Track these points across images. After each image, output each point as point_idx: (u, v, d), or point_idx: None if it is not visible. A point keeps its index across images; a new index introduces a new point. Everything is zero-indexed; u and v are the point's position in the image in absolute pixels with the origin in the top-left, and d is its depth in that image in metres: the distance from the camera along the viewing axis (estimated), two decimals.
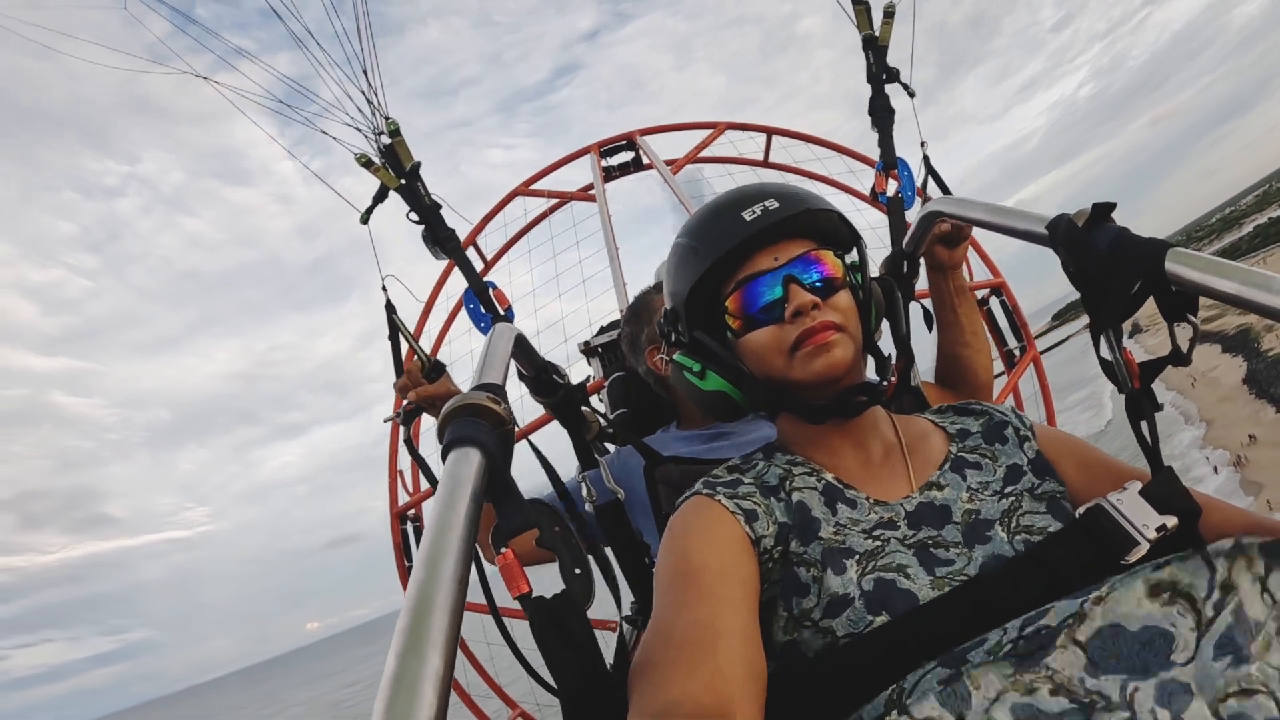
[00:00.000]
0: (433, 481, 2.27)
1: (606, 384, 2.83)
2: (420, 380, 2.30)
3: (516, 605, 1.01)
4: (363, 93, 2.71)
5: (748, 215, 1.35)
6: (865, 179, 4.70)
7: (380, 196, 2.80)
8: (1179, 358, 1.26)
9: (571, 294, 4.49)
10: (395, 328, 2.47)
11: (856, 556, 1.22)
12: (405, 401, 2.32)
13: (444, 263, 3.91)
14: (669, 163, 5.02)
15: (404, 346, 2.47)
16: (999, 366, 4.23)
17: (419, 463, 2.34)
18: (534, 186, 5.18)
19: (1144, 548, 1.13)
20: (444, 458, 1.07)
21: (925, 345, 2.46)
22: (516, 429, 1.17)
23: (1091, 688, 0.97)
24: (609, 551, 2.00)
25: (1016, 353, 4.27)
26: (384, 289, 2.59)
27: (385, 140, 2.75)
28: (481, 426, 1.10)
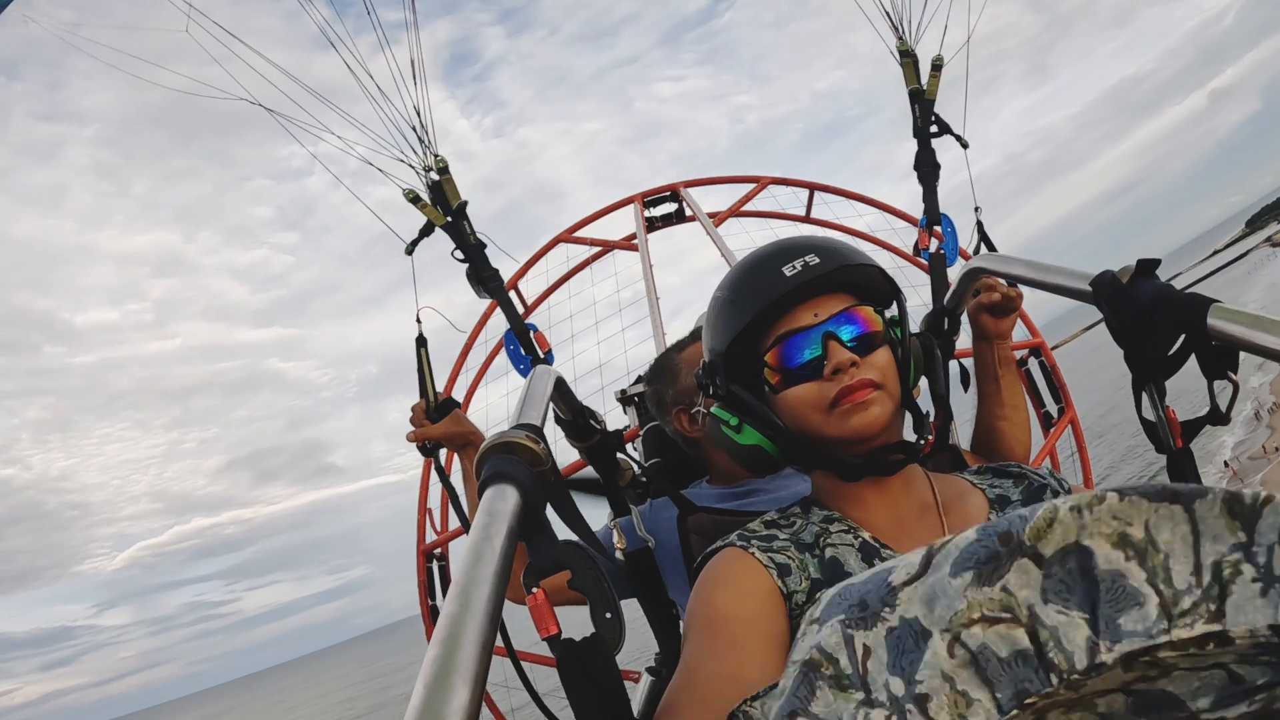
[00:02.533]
0: (460, 513, 2.27)
1: (642, 433, 2.82)
2: (422, 420, 2.30)
3: (530, 649, 1.00)
4: (413, 128, 2.75)
5: (788, 270, 1.35)
6: (908, 237, 4.69)
7: (426, 231, 2.82)
8: (1218, 416, 1.24)
9: (610, 341, 4.50)
10: (421, 363, 2.47)
11: None
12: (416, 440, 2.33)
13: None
14: (711, 215, 5.05)
15: (439, 379, 2.48)
16: (1037, 430, 4.16)
17: (449, 492, 2.34)
18: (577, 234, 5.23)
19: None
20: (480, 493, 1.07)
21: (962, 407, 2.43)
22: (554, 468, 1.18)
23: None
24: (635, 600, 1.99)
25: (1054, 414, 4.21)
26: (418, 320, 2.60)
27: (434, 176, 2.78)
28: (519, 464, 1.10)
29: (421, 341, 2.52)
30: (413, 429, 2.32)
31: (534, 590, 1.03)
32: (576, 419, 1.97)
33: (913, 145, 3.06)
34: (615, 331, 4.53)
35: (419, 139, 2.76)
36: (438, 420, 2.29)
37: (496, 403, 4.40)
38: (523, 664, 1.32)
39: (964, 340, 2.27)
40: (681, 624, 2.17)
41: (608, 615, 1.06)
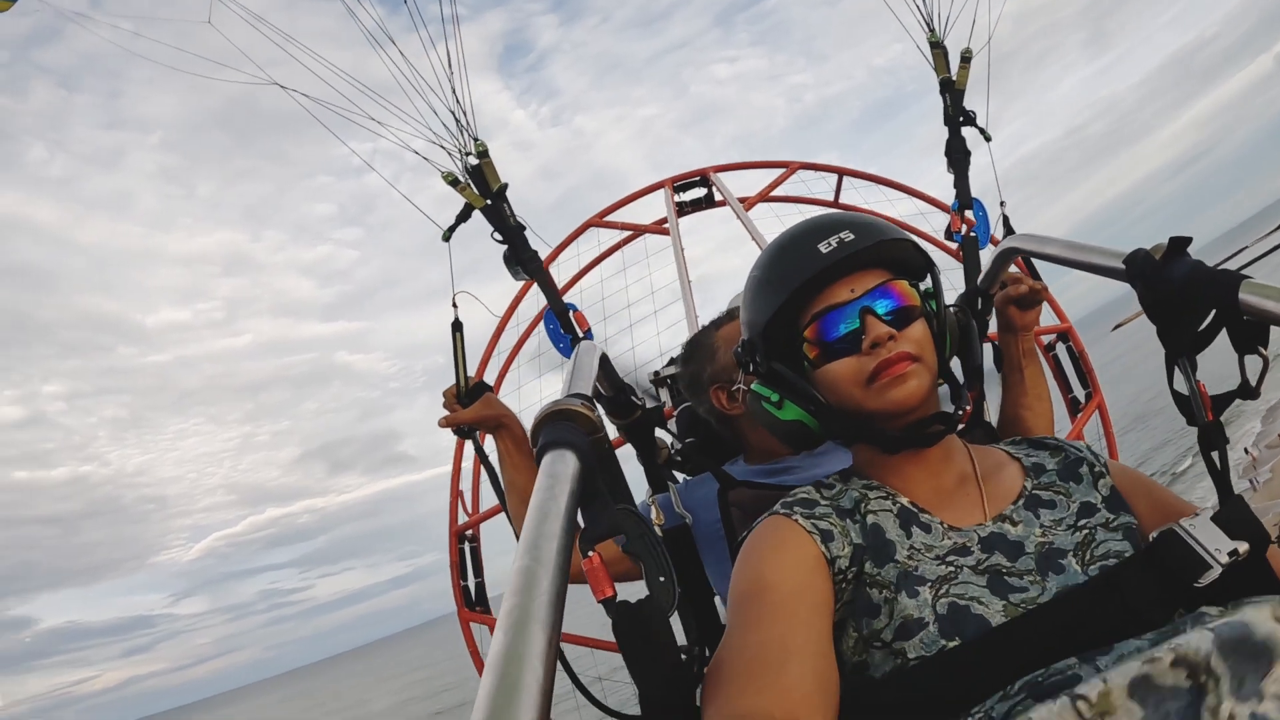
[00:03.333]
0: (500, 493, 2.29)
1: (676, 413, 2.85)
2: (454, 405, 2.33)
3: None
4: (451, 112, 2.78)
5: (823, 247, 1.37)
6: (936, 221, 4.69)
7: (464, 216, 2.85)
8: (1248, 391, 1.27)
9: (643, 323, 4.53)
10: (455, 347, 2.48)
11: (930, 582, 1.24)
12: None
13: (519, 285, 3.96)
14: (741, 200, 5.06)
15: (471, 364, 2.49)
16: (1064, 414, 4.17)
17: (489, 473, 2.37)
18: (608, 219, 5.26)
19: (1216, 571, 1.14)
20: (538, 460, 1.11)
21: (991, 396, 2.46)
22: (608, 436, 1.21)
23: (1215, 668, 0.95)
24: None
25: (1081, 399, 4.21)
26: (454, 305, 2.61)
27: (473, 161, 2.81)
28: (576, 430, 1.14)
29: (457, 326, 2.54)
30: (446, 414, 2.34)
31: (590, 554, 1.06)
32: (618, 395, 2.01)
33: (944, 132, 3.10)
34: (648, 314, 4.56)
35: (458, 122, 2.78)
36: (469, 404, 2.30)
37: (529, 383, 4.44)
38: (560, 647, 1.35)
39: (990, 327, 2.30)
40: (718, 601, 2.20)
41: (661, 579, 1.09)
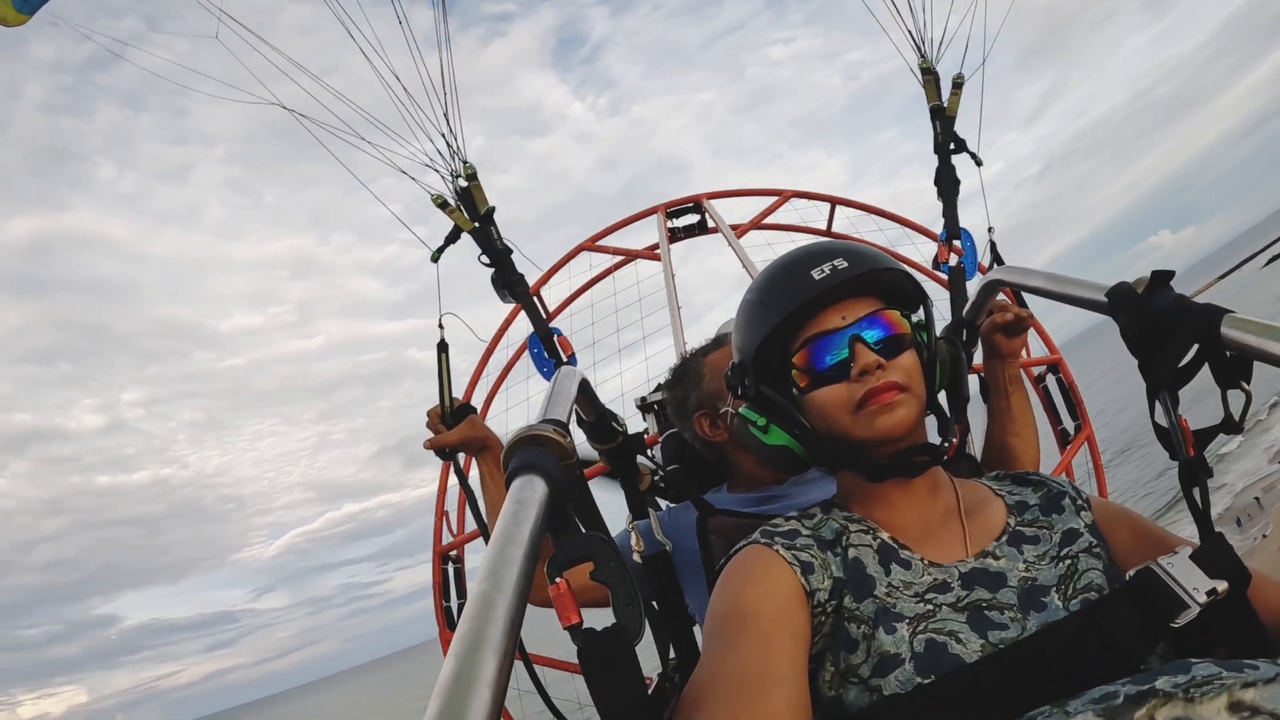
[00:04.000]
0: (478, 516, 2.29)
1: (661, 440, 2.84)
2: (438, 426, 2.32)
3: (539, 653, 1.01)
4: (443, 135, 2.80)
5: (816, 274, 1.37)
6: (926, 250, 4.71)
7: (453, 237, 2.86)
8: (1231, 425, 1.27)
9: (631, 349, 4.54)
10: (440, 368, 2.48)
11: (907, 620, 1.22)
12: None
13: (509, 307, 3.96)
14: (734, 227, 5.08)
15: (458, 385, 2.49)
16: (1053, 446, 4.17)
17: (468, 495, 2.36)
18: (600, 244, 5.27)
19: (1194, 611, 1.12)
20: (508, 484, 1.10)
21: (974, 425, 2.45)
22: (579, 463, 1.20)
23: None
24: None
25: (1071, 431, 4.21)
26: (440, 326, 2.61)
27: (462, 183, 2.82)
28: (547, 456, 1.13)
29: (443, 347, 2.53)
30: (430, 435, 2.34)
31: (557, 580, 1.05)
32: (599, 421, 1.99)
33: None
34: (636, 339, 4.57)
35: (449, 146, 2.80)
36: (453, 426, 2.30)
37: (516, 407, 4.44)
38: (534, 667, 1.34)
39: (976, 358, 2.30)
40: (697, 629, 2.19)
41: (629, 606, 1.08)
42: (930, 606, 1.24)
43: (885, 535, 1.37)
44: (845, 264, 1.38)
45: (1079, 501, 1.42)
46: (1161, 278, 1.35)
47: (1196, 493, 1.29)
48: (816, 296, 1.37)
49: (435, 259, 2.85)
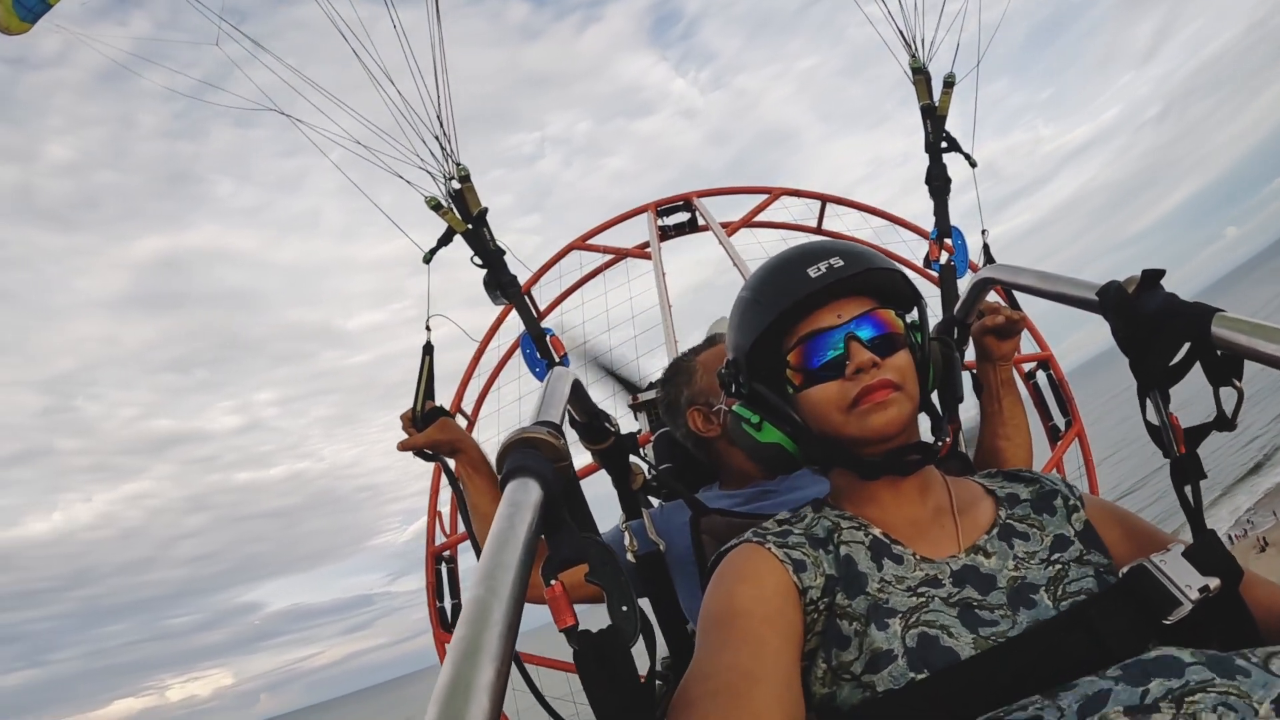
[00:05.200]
0: (464, 514, 2.27)
1: (653, 438, 2.84)
2: (410, 429, 2.30)
3: (533, 652, 1.01)
4: (436, 138, 2.79)
5: (812, 272, 1.37)
6: (917, 249, 4.72)
7: (445, 239, 2.85)
8: (1224, 423, 1.27)
9: (622, 348, 4.53)
10: (421, 370, 2.44)
11: (900, 614, 1.22)
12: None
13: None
14: (724, 225, 5.08)
15: (451, 385, 2.48)
16: (1044, 442, 4.18)
17: (458, 495, 2.34)
18: (590, 242, 5.26)
19: (1186, 608, 1.13)
20: (501, 488, 1.10)
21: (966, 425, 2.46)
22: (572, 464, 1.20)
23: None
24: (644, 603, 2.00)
25: (1061, 427, 4.22)
26: (428, 328, 2.59)
27: (455, 185, 2.81)
28: (540, 458, 1.13)
29: (428, 349, 2.51)
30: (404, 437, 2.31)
31: (552, 583, 1.05)
32: (591, 421, 1.99)
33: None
34: (627, 339, 4.56)
35: (442, 148, 2.79)
36: (423, 429, 2.28)
37: (508, 407, 4.44)
38: (525, 667, 1.34)
39: (969, 356, 2.30)
40: (690, 627, 2.19)
41: (624, 608, 1.08)
42: (922, 599, 1.24)
43: (877, 531, 1.37)
44: (841, 263, 1.38)
45: (1071, 501, 1.42)
46: (1152, 277, 1.35)
47: (1189, 490, 1.30)
48: (812, 294, 1.37)
49: (427, 260, 2.84)
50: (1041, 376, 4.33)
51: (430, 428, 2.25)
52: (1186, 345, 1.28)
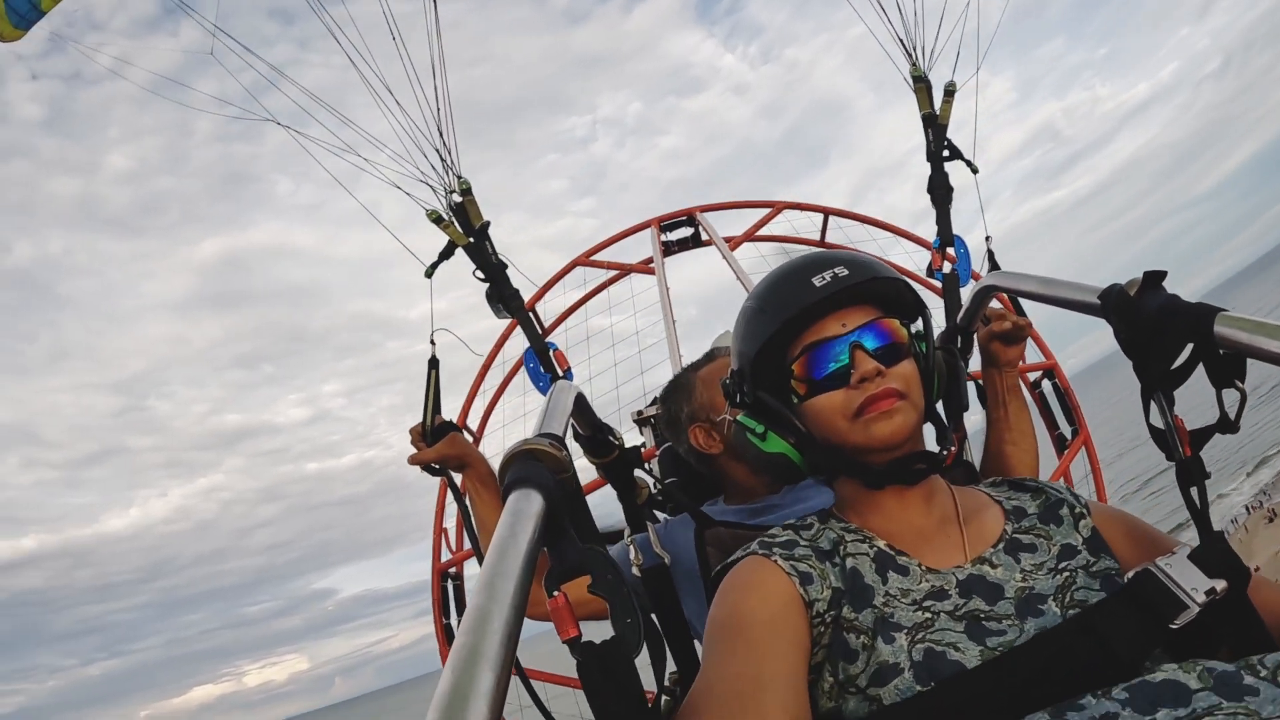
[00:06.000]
0: (472, 533, 2.28)
1: (658, 454, 2.84)
2: (420, 443, 2.31)
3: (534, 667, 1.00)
4: (437, 151, 2.80)
5: (817, 281, 1.37)
6: (920, 260, 4.72)
7: (447, 253, 2.86)
8: (1227, 425, 1.27)
9: (627, 363, 4.54)
10: (428, 384, 2.46)
11: (906, 629, 1.22)
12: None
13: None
14: (728, 239, 5.09)
15: (459, 403, 2.49)
16: (1050, 451, 4.17)
17: (463, 513, 2.35)
18: (594, 258, 5.28)
19: (1193, 611, 1.12)
20: (503, 499, 1.10)
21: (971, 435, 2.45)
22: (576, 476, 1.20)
23: None
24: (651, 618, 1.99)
25: (1068, 436, 4.21)
26: (432, 342, 2.60)
27: (456, 198, 2.82)
28: (542, 470, 1.13)
29: (434, 363, 2.52)
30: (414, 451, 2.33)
31: (555, 594, 1.04)
32: (595, 435, 1.99)
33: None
34: (631, 354, 4.57)
35: (443, 161, 2.80)
36: (434, 443, 2.29)
37: (514, 422, 4.44)
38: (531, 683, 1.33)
39: (974, 364, 2.29)
40: (697, 642, 2.18)
41: (628, 620, 1.07)
42: (929, 615, 1.24)
43: (882, 543, 1.36)
44: (846, 272, 1.38)
45: (1077, 509, 1.41)
46: (1153, 278, 1.35)
47: (1194, 492, 1.29)
48: (817, 303, 1.37)
49: (429, 274, 2.85)
50: (1047, 386, 4.32)
51: (440, 442, 2.27)
52: (1190, 346, 1.28)
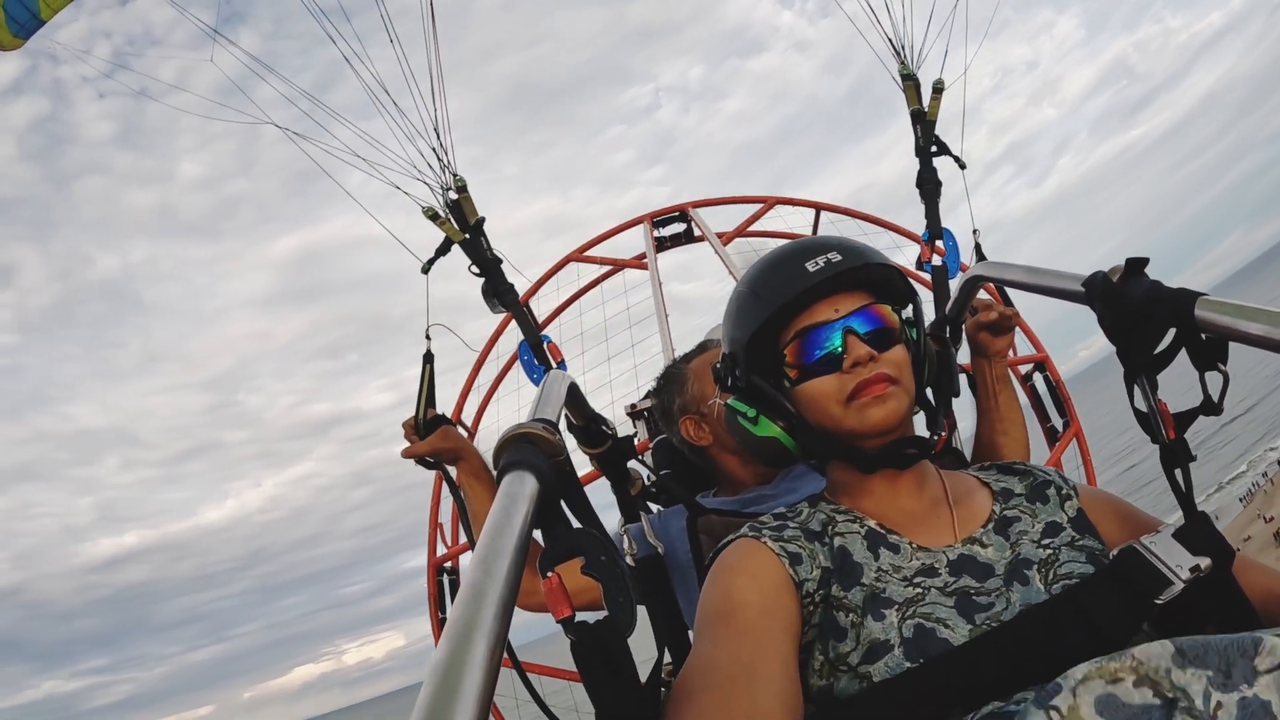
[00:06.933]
0: (467, 527, 2.29)
1: (652, 445, 2.85)
2: (413, 437, 2.32)
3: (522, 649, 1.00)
4: (433, 149, 2.82)
5: (810, 266, 1.39)
6: (910, 253, 4.75)
7: (444, 249, 2.87)
8: (1211, 407, 1.29)
9: (620, 357, 4.55)
10: (422, 379, 2.46)
11: (897, 605, 1.23)
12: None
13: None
14: (720, 235, 5.11)
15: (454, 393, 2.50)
16: (1042, 443, 4.19)
17: (459, 504, 2.36)
18: (587, 253, 5.29)
19: (1178, 587, 1.14)
20: (498, 481, 1.11)
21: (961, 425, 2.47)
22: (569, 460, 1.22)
23: (1177, 682, 0.93)
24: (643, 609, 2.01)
25: (1059, 428, 4.23)
26: (427, 336, 2.61)
27: (452, 195, 2.84)
28: (536, 453, 1.14)
29: (429, 358, 2.53)
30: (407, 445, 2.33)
31: (549, 575, 1.06)
32: (589, 425, 2.01)
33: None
34: (625, 348, 4.58)
35: (439, 159, 2.82)
36: (426, 436, 2.30)
37: (508, 418, 4.44)
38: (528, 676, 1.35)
39: (963, 356, 2.32)
40: (691, 632, 2.20)
41: (621, 599, 1.09)
42: (919, 590, 1.25)
43: (872, 522, 1.38)
44: (839, 257, 1.39)
45: (1064, 490, 1.43)
46: (1135, 265, 1.38)
47: (1179, 474, 1.31)
48: (810, 288, 1.38)
49: (426, 270, 2.86)
50: (1038, 379, 4.34)
51: (433, 435, 2.27)
52: (1172, 331, 1.30)
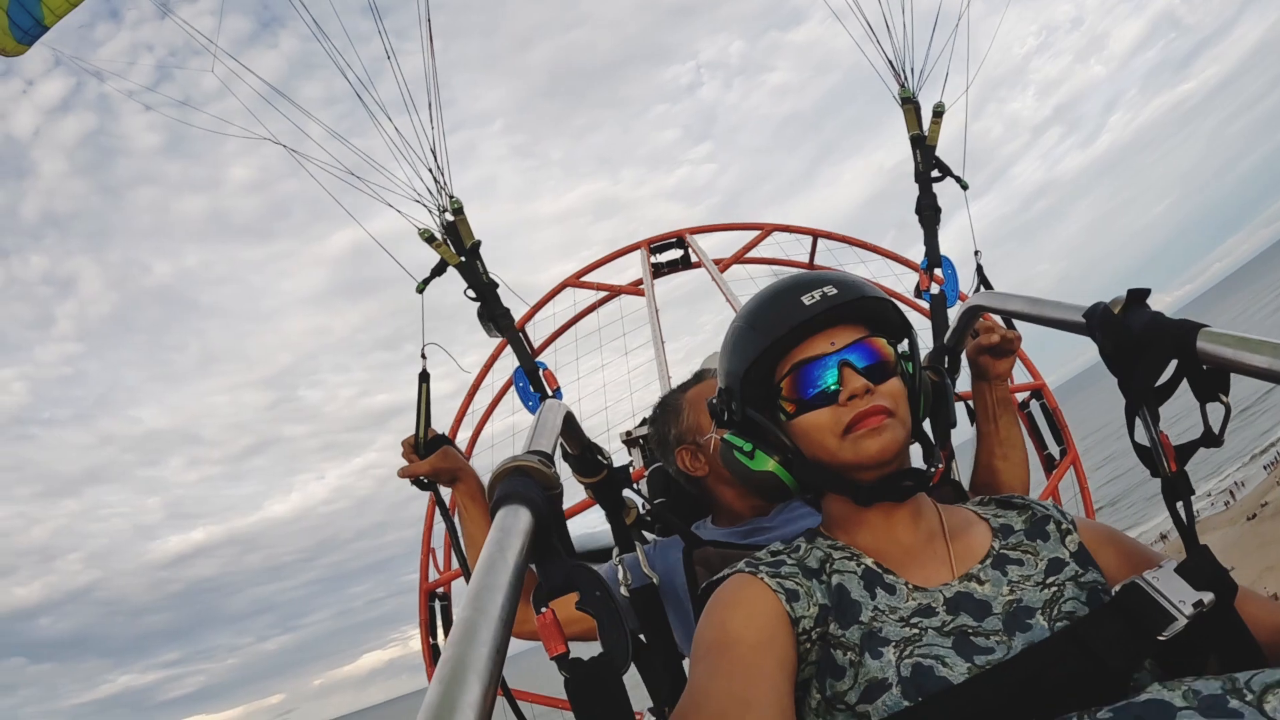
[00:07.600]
0: (459, 551, 2.27)
1: (647, 473, 2.84)
2: (412, 456, 2.30)
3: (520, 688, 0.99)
4: (430, 171, 2.82)
5: (806, 300, 1.39)
6: (909, 281, 4.75)
7: (439, 270, 2.87)
8: (1211, 439, 1.28)
9: (616, 384, 4.55)
10: (419, 398, 2.45)
11: (894, 644, 1.22)
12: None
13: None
14: (717, 261, 5.11)
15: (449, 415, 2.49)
16: (1039, 471, 4.18)
17: (450, 531, 2.34)
18: (584, 279, 5.29)
19: (1181, 623, 1.13)
20: (493, 514, 1.10)
21: (960, 452, 2.45)
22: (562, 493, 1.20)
23: None
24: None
25: (1056, 456, 4.23)
26: (423, 356, 2.60)
27: (449, 217, 2.83)
28: (532, 485, 1.13)
29: (424, 377, 2.52)
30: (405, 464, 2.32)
31: (543, 610, 1.04)
32: (584, 454, 1.99)
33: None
34: (621, 375, 4.58)
35: (436, 182, 2.82)
36: (426, 456, 2.28)
37: (502, 441, 4.43)
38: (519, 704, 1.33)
39: (963, 383, 2.30)
40: (686, 662, 2.18)
41: (615, 635, 1.07)
42: (916, 631, 1.24)
43: (869, 561, 1.37)
44: (835, 291, 1.39)
45: (1064, 525, 1.42)
46: (1137, 296, 1.37)
47: (1180, 507, 1.30)
48: (806, 322, 1.38)
49: (420, 291, 2.86)
50: (1035, 407, 4.34)
51: (433, 455, 2.26)
52: (1174, 363, 1.29)
